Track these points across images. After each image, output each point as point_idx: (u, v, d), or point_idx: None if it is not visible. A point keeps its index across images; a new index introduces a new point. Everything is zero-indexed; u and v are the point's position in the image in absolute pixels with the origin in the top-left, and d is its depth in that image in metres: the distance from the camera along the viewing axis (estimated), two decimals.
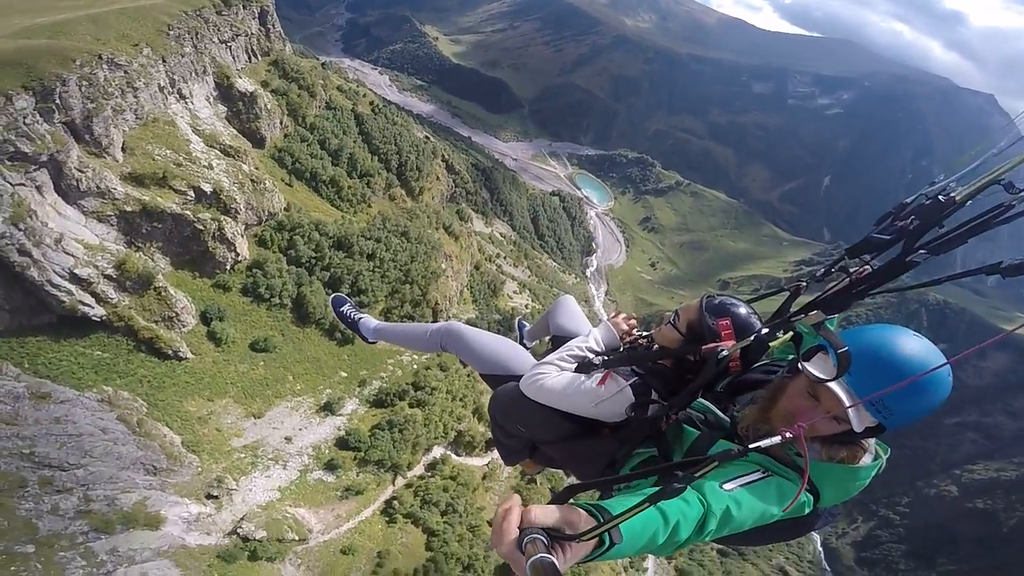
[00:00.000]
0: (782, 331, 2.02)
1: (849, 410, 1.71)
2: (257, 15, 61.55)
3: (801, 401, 1.88)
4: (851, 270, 1.88)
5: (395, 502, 35.25)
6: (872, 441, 1.92)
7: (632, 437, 2.36)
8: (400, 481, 36.86)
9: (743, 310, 2.44)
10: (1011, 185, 1.48)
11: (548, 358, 2.73)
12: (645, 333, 2.88)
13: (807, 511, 1.84)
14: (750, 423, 2.06)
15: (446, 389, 42.53)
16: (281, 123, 56.62)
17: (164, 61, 39.23)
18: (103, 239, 29.83)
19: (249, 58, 59.92)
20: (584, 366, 2.59)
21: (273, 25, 65.96)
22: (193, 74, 44.59)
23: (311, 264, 41.25)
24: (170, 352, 30.71)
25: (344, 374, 39.25)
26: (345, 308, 4.34)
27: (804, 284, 2.16)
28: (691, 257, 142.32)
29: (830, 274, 1.91)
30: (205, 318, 33.30)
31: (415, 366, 43.64)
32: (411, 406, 39.49)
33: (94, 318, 28.09)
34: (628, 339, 2.85)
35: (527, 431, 2.76)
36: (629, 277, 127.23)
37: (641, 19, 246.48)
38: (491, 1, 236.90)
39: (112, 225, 30.41)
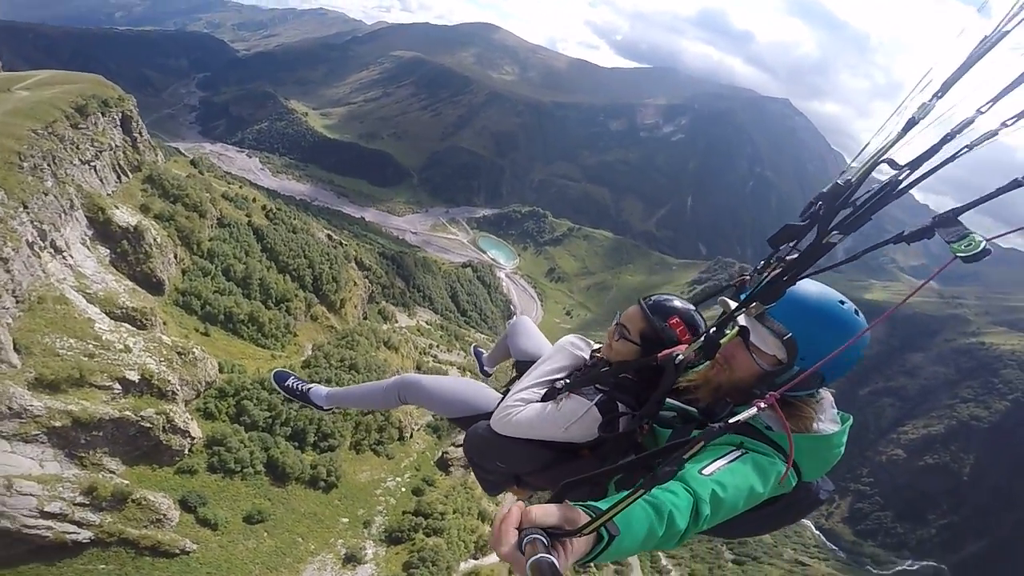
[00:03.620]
0: (728, 328, 2.10)
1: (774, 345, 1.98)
2: (119, 122, 53.06)
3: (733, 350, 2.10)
4: (781, 258, 1.96)
5: None
6: (831, 414, 2.09)
7: (611, 454, 2.40)
8: None
9: (679, 303, 2.56)
10: (894, 162, 1.62)
11: (513, 392, 2.70)
12: (597, 346, 2.85)
13: (792, 483, 1.91)
14: (704, 397, 2.23)
15: (452, 509, 41.92)
16: (176, 257, 48.88)
17: (25, 207, 32.01)
18: (41, 461, 26.92)
19: (119, 176, 51.37)
20: (550, 393, 2.57)
21: (140, 133, 57.33)
22: (61, 215, 36.90)
23: (269, 424, 38.10)
24: (177, 551, 29.14)
25: (345, 519, 37.71)
26: (290, 382, 4.10)
27: (748, 278, 2.16)
28: (599, 298, 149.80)
29: (769, 265, 1.98)
30: (186, 506, 31.51)
31: (403, 488, 42.24)
32: (427, 535, 38.99)
33: (84, 540, 26.63)
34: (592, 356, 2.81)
35: (506, 465, 2.75)
36: (550, 331, 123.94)
37: (505, 72, 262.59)
38: (358, 71, 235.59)
39: (44, 443, 27.07)
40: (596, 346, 2.87)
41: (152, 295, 42.95)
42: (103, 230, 41.88)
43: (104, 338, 31.61)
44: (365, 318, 73.24)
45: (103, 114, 48.80)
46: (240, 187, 79.94)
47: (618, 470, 1.69)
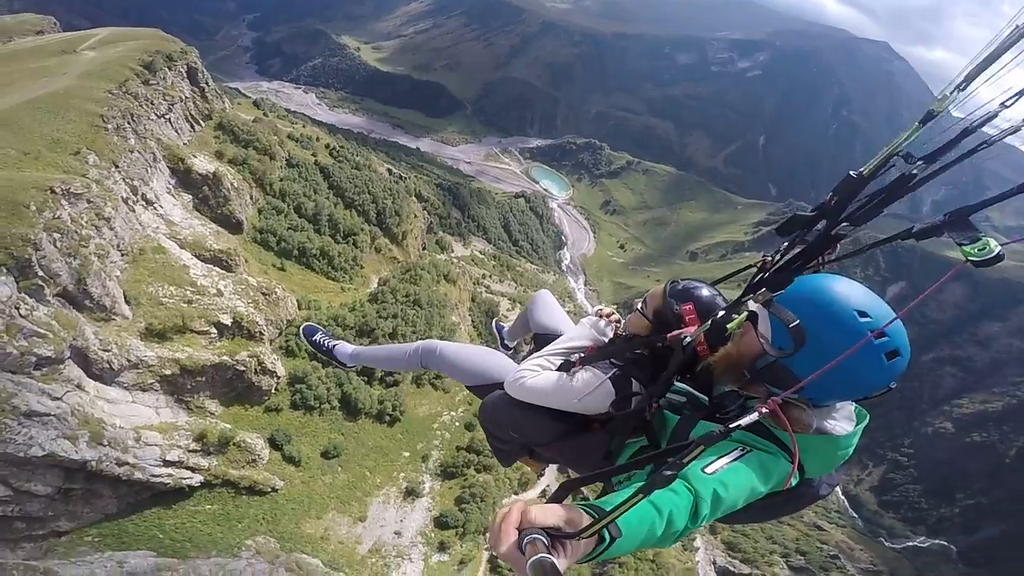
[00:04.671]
0: (736, 312, 2.14)
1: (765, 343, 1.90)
2: (186, 74, 55.25)
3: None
4: (791, 247, 1.96)
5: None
6: (851, 407, 2.00)
7: (621, 428, 2.41)
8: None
9: (705, 292, 2.56)
10: (910, 156, 1.57)
11: (530, 358, 2.76)
12: (622, 325, 2.90)
13: (795, 481, 1.88)
14: (719, 373, 2.20)
15: None
16: (251, 198, 52.16)
17: (116, 166, 34.00)
18: (157, 408, 28.95)
19: (192, 126, 54.04)
20: (566, 364, 2.62)
21: (207, 83, 59.57)
22: (147, 169, 39.48)
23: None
24: (269, 489, 31.46)
25: (407, 454, 40.51)
26: (318, 337, 4.28)
27: (770, 259, 2.11)
28: (656, 233, 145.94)
29: (785, 252, 1.99)
30: (274, 444, 33.83)
31: (456, 423, 44.82)
32: (478, 471, 41.87)
33: (196, 484, 28.91)
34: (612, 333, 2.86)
35: (519, 435, 2.78)
36: (603, 263, 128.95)
37: (560, 1, 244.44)
38: (406, 3, 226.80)
39: (157, 391, 28.92)
40: (619, 327, 2.91)
41: (233, 235, 45.90)
42: (185, 179, 44.57)
43: (199, 283, 33.60)
44: (424, 248, 76.79)
45: (170, 68, 50.55)
46: (303, 126, 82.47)
47: (619, 471, 1.74)
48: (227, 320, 32.54)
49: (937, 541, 71.84)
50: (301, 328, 4.48)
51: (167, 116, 48.76)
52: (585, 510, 1.34)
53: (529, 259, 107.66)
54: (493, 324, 4.49)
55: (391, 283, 49.87)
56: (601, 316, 2.94)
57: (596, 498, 1.58)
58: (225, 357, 31.64)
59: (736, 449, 1.77)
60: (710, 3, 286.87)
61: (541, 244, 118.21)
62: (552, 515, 1.25)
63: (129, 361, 27.36)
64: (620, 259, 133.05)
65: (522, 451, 2.93)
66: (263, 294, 36.74)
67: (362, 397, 39.17)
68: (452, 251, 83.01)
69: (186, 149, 48.13)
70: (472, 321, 64.72)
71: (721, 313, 2.20)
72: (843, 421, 1.96)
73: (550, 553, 1.15)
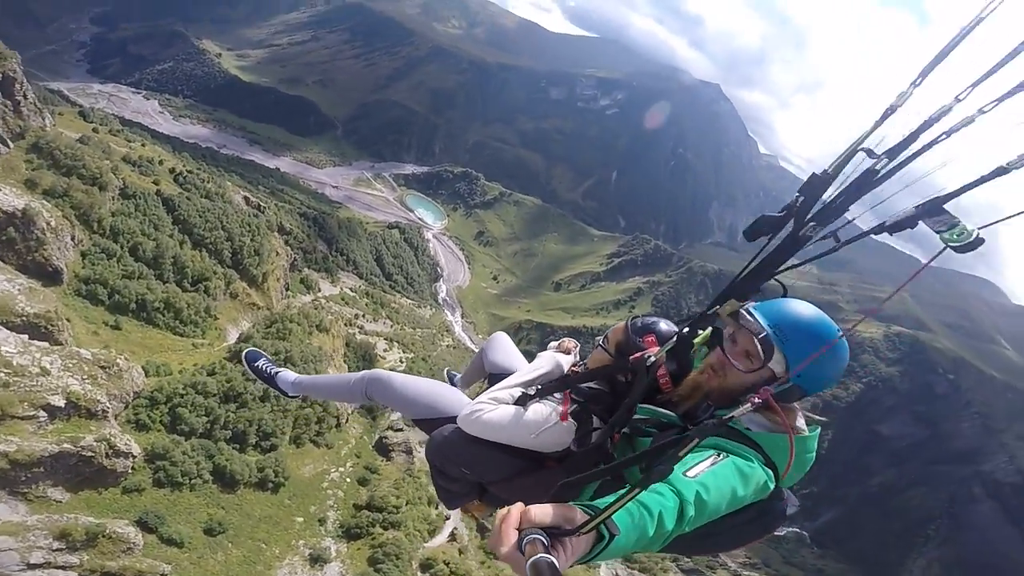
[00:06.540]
0: (701, 328, 2.24)
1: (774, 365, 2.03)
2: None
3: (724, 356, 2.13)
4: (756, 253, 1.97)
5: None
6: (801, 418, 2.14)
7: (580, 465, 2.37)
8: None
9: (663, 326, 2.63)
10: (872, 151, 1.63)
11: (487, 392, 2.72)
12: (582, 361, 2.93)
13: (771, 487, 1.90)
14: (688, 399, 2.28)
15: (405, 501, 43.42)
16: (73, 239, 45.03)
17: None
18: None
19: None
20: (523, 398, 2.60)
21: (24, 95, 51.40)
22: None
23: (208, 429, 37.05)
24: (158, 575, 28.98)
25: (300, 519, 38.44)
26: (260, 363, 4.10)
27: (735, 280, 2.11)
28: (525, 265, 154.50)
29: (748, 266, 2.01)
30: (146, 527, 30.94)
31: (348, 479, 43.20)
32: (385, 529, 40.56)
33: None
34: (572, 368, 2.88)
35: (471, 472, 2.72)
36: (478, 295, 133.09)
37: (452, 26, 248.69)
38: (287, 11, 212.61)
39: None
40: (582, 361, 2.92)
41: (50, 288, 39.61)
42: None
43: (16, 363, 29.36)
44: (288, 289, 72.17)
45: None
46: (142, 144, 73.37)
47: (612, 471, 1.77)
48: (59, 402, 29.10)
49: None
50: (244, 353, 4.25)
51: None
52: (582, 509, 1.35)
53: (404, 294, 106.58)
54: (445, 372, 4.30)
55: (255, 339, 45.71)
56: (561, 349, 3.00)
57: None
58: (67, 445, 28.38)
59: (712, 454, 1.79)
60: (582, 40, 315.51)
61: (416, 277, 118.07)
62: (551, 514, 1.26)
63: None
64: (494, 290, 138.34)
65: (471, 491, 2.83)
66: (101, 367, 32.82)
67: (237, 467, 36.67)
68: (319, 290, 79.32)
69: None
70: (348, 369, 62.85)
71: (687, 328, 2.26)
72: (804, 425, 2.11)
73: (549, 553, 1.16)
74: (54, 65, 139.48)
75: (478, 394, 2.87)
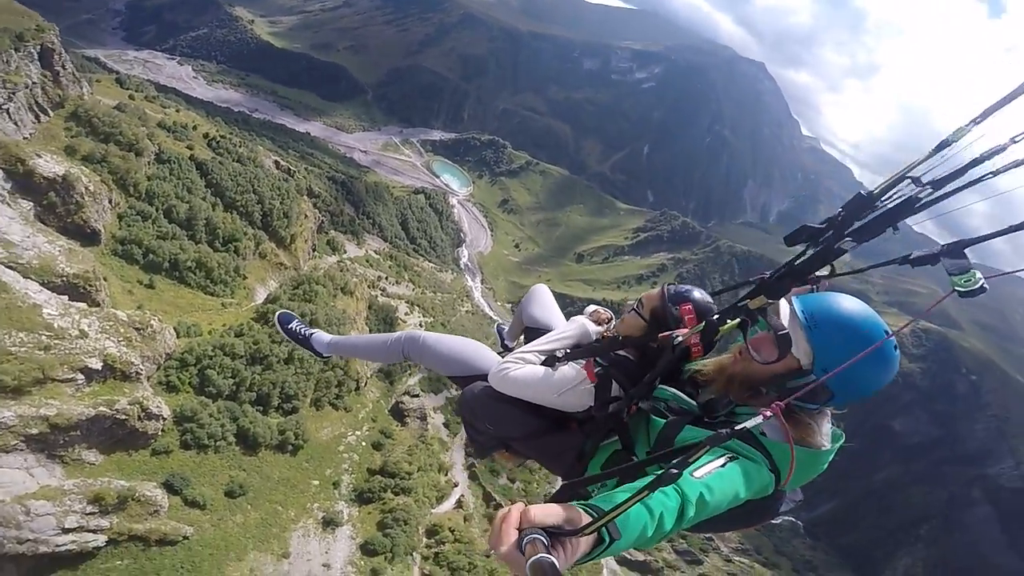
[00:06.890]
0: (731, 317, 2.28)
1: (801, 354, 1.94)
2: (37, 57, 49.65)
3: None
4: (791, 259, 2.06)
5: None
6: (827, 430, 2.06)
7: (597, 430, 2.46)
8: (418, 558, 40.05)
9: (698, 294, 2.66)
10: (918, 180, 1.66)
11: (516, 351, 2.85)
12: (614, 325, 2.96)
13: (771, 491, 1.91)
14: (712, 380, 2.26)
15: (417, 468, 44.12)
16: (111, 202, 46.99)
17: None
18: (29, 469, 26.80)
19: (37, 117, 48.33)
20: (551, 359, 2.67)
21: (63, 65, 53.43)
22: None
23: (234, 391, 38.19)
24: (180, 537, 30.17)
25: (316, 482, 39.20)
26: (293, 325, 4.12)
27: (767, 276, 2.20)
28: (548, 234, 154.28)
29: (791, 264, 2.07)
30: (171, 489, 31.84)
31: (363, 443, 44.02)
32: (395, 494, 41.21)
33: (101, 544, 27.64)
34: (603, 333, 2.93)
35: (495, 428, 2.81)
36: (499, 262, 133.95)
37: None
38: None
39: (23, 450, 26.67)
40: (611, 325, 2.99)
41: (86, 247, 40.72)
42: (24, 182, 39.14)
43: (56, 325, 29.69)
44: (314, 250, 74.62)
45: (16, 49, 45.08)
46: (177, 110, 75.50)
47: (616, 474, 1.82)
48: (96, 364, 29.74)
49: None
50: (276, 315, 4.31)
51: (5, 107, 43.74)
52: (584, 509, 1.36)
53: (427, 257, 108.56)
54: (495, 327, 4.37)
55: (281, 301, 46.11)
56: (594, 315, 3.07)
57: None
58: (102, 408, 29.16)
59: (723, 456, 1.80)
60: (620, 12, 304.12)
61: (440, 242, 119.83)
62: (552, 514, 1.26)
63: None
64: (515, 258, 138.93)
65: (497, 445, 2.93)
66: (136, 329, 33.57)
67: (260, 429, 37.26)
68: (344, 252, 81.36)
69: (26, 146, 42.41)
70: (370, 331, 65.14)
71: (716, 316, 2.33)
72: (825, 439, 2.04)
73: (550, 553, 1.16)
74: (91, 33, 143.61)
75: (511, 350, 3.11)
